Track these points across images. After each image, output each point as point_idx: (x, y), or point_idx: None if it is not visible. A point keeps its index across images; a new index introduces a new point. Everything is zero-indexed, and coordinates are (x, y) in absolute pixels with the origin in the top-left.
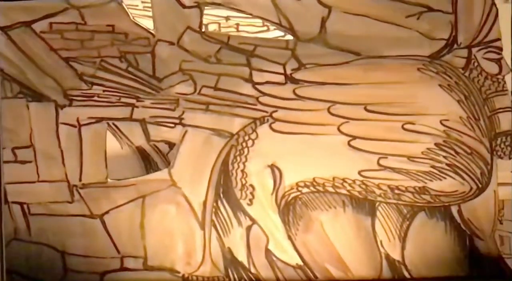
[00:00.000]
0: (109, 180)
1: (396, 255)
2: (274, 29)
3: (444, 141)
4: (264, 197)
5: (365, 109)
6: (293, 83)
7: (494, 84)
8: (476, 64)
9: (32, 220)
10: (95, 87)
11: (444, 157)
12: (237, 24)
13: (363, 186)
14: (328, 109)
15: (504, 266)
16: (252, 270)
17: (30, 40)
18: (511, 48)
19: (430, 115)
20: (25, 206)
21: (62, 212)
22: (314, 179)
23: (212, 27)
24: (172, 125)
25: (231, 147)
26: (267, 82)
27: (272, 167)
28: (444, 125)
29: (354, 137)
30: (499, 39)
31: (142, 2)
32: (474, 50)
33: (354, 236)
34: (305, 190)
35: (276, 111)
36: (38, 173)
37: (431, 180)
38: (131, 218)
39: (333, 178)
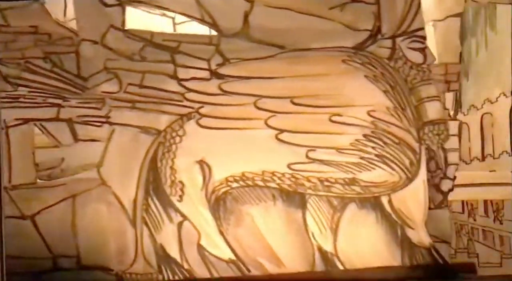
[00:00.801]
0: (38, 180)
1: (328, 247)
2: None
3: (372, 132)
4: (194, 193)
5: (292, 102)
6: (218, 79)
7: (420, 73)
8: (401, 54)
9: None
10: (20, 88)
11: (373, 147)
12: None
13: (293, 179)
14: (255, 103)
15: (436, 254)
16: (185, 266)
17: None
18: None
19: (357, 106)
20: None
21: None
22: (243, 173)
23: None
24: (99, 124)
25: (159, 144)
26: (192, 78)
27: (201, 163)
28: (371, 116)
29: (282, 131)
30: (422, 29)
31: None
32: (398, 40)
33: (286, 229)
34: (234, 185)
35: (202, 107)
36: None
37: (360, 171)
38: (62, 218)
39: (262, 172)
